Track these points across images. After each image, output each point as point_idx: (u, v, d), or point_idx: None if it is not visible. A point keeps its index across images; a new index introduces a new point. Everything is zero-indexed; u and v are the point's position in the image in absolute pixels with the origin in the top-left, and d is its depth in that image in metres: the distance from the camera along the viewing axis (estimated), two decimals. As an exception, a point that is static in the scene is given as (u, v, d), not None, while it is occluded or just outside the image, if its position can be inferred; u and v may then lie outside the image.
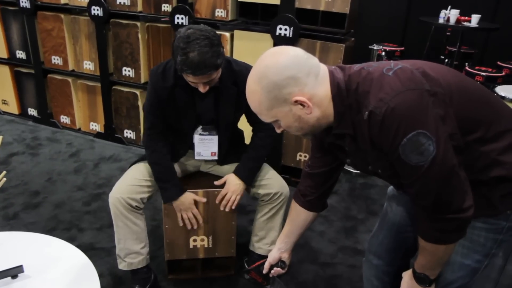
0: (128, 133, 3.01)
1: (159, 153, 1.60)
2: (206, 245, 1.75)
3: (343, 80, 0.94)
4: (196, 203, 1.66)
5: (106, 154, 2.90)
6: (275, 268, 1.35)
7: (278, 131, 1.03)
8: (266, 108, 0.96)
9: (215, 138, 1.65)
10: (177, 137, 1.67)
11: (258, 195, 1.72)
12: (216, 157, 1.71)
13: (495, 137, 0.95)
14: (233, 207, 1.68)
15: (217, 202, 1.68)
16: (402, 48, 3.59)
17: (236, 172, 1.67)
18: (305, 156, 2.56)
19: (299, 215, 1.29)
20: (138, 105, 2.88)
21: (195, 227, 1.67)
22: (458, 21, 3.23)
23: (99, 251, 1.96)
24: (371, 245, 1.35)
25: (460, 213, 0.92)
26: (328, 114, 0.96)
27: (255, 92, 0.95)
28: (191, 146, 1.68)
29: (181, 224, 1.67)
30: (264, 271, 1.37)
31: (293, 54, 0.93)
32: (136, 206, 1.59)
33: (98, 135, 3.11)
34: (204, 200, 1.65)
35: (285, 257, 1.36)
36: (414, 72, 0.90)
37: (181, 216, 1.65)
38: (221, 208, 1.68)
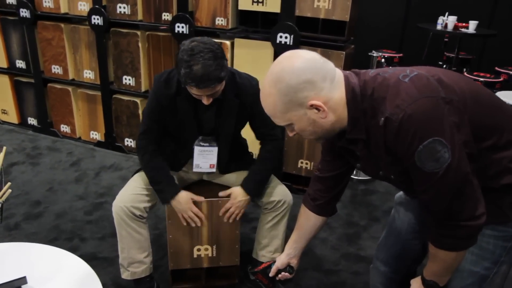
0: (129, 142, 3.01)
1: (151, 155, 1.59)
2: (210, 254, 1.75)
3: (358, 85, 0.95)
4: (196, 204, 1.64)
5: (106, 163, 2.89)
6: (282, 273, 1.35)
7: (291, 134, 1.03)
8: (280, 111, 0.96)
9: (214, 150, 1.65)
10: (177, 146, 1.67)
11: (261, 203, 1.71)
12: (214, 170, 1.70)
13: (507, 145, 0.95)
14: (237, 219, 1.68)
15: (220, 215, 1.67)
16: (401, 55, 3.61)
17: (243, 185, 1.66)
18: (306, 163, 2.56)
19: (309, 220, 1.29)
20: (138, 113, 2.88)
21: (199, 224, 1.64)
22: (455, 27, 3.25)
23: (102, 261, 1.95)
24: (379, 252, 1.35)
25: (472, 220, 0.92)
26: (342, 118, 0.97)
27: (270, 95, 0.95)
28: (192, 155, 1.68)
29: (184, 223, 1.63)
30: (271, 274, 1.37)
31: (309, 58, 0.93)
32: (139, 215, 1.59)
33: (98, 144, 3.11)
34: (202, 199, 1.63)
35: (294, 262, 1.36)
36: (430, 79, 0.91)
37: (182, 216, 1.62)
38: (225, 220, 1.68)
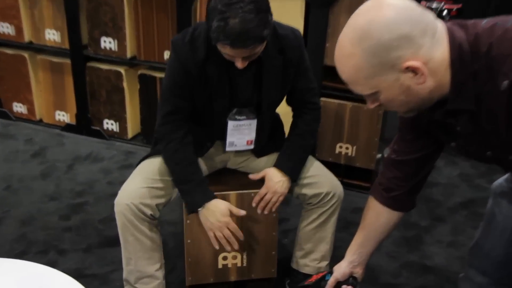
0: (110, 125, 3.02)
1: (179, 144, 1.61)
2: (239, 264, 1.78)
3: (466, 40, 0.96)
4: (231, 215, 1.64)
5: (81, 152, 2.90)
6: (343, 286, 1.39)
7: (371, 106, 1.05)
8: (365, 76, 0.98)
9: (253, 123, 1.67)
10: (203, 124, 1.69)
11: (304, 197, 1.75)
12: (252, 146, 1.73)
13: None
14: (273, 209, 1.70)
15: (253, 204, 1.69)
16: (459, 6, 3.64)
17: (278, 164, 1.69)
18: (346, 148, 2.60)
19: (380, 217, 1.32)
20: (123, 86, 2.88)
21: (236, 247, 1.61)
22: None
23: (91, 279, 1.98)
24: (473, 258, 1.37)
25: None
26: (443, 84, 0.98)
27: (352, 56, 0.97)
28: (220, 136, 1.70)
29: (216, 246, 1.62)
30: None
31: (404, 6, 0.94)
32: (150, 215, 1.62)
33: (67, 128, 3.11)
34: (243, 213, 1.63)
35: (358, 272, 1.40)
36: None
37: (214, 235, 1.61)
38: (259, 211, 1.70)
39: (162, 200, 1.65)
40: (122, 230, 1.63)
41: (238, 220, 1.71)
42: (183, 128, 1.62)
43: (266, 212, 1.70)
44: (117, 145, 3.01)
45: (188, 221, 1.69)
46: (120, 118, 2.99)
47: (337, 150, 2.60)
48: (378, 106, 1.05)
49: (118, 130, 3.02)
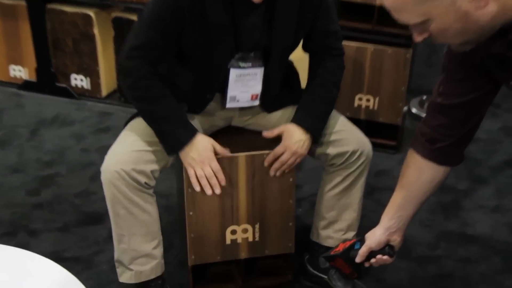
0: (79, 81, 3.00)
1: (149, 80, 1.59)
2: (250, 239, 1.79)
3: None
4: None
5: (45, 115, 2.88)
6: (378, 256, 1.40)
7: (419, 38, 1.04)
8: (414, 1, 0.96)
9: (259, 73, 1.65)
10: (201, 73, 1.67)
11: (326, 157, 1.75)
12: (257, 102, 1.72)
13: None
14: (286, 171, 1.70)
15: (266, 164, 1.69)
16: None
17: (298, 120, 1.68)
18: (367, 100, 2.60)
19: (422, 173, 1.32)
20: (93, 33, 2.84)
21: (218, 191, 1.64)
22: None
23: (72, 263, 1.98)
24: None
25: None
26: (508, 8, 0.96)
27: None
28: (220, 88, 1.69)
29: (197, 188, 1.63)
30: (359, 259, 1.42)
31: None
32: (145, 183, 1.61)
33: (26, 85, 3.08)
34: (227, 153, 1.64)
35: (396, 240, 1.41)
36: None
37: (195, 173, 1.61)
38: (272, 173, 1.69)
39: (158, 166, 1.64)
40: (112, 203, 1.62)
41: (248, 186, 1.71)
42: (151, 65, 1.59)
43: (278, 174, 1.70)
44: (89, 105, 2.98)
45: (189, 190, 1.68)
46: (91, 72, 2.95)
47: (356, 103, 2.59)
48: (425, 39, 1.04)
49: (89, 87, 3.00)
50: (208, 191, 1.63)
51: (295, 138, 1.66)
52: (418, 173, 1.33)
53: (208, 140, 1.62)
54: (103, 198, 2.21)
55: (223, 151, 1.64)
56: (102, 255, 2.02)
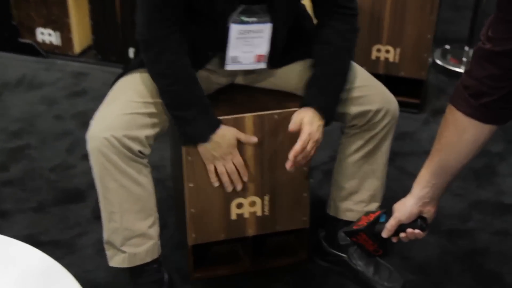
0: (47, 35, 2.98)
1: (177, 55, 1.61)
2: (259, 213, 1.82)
3: None
4: (240, 146, 1.69)
5: (8, 76, 2.87)
6: (409, 231, 1.44)
7: None
8: None
9: (266, 30, 1.67)
10: (201, 27, 1.68)
11: (345, 118, 1.77)
12: (263, 65, 1.74)
13: None
14: (306, 165, 1.76)
15: (288, 165, 1.64)
16: None
17: (309, 101, 1.69)
18: (387, 52, 2.61)
19: (464, 133, 1.33)
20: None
21: (239, 188, 1.74)
22: None
23: (51, 247, 2.00)
24: None
25: None
26: None
27: None
28: (221, 46, 1.70)
29: (215, 184, 1.72)
30: (386, 234, 1.46)
31: None
32: (139, 151, 1.62)
33: (-17, 42, 3.06)
34: (255, 140, 1.71)
35: (429, 211, 1.44)
36: None
37: (215, 169, 1.70)
38: (291, 168, 1.65)
39: (153, 131, 1.65)
40: (101, 175, 1.63)
41: (257, 152, 1.74)
42: (176, 30, 1.61)
43: (291, 169, 1.67)
44: (60, 64, 2.98)
45: (189, 158, 1.71)
46: (61, 25, 2.93)
47: (374, 55, 2.61)
48: None
49: (59, 43, 2.99)
50: (229, 188, 1.74)
51: (310, 126, 1.65)
52: (459, 134, 1.34)
53: (232, 134, 1.67)
54: (83, 172, 2.29)
55: (248, 139, 1.70)
56: (85, 238, 2.05)
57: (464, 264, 1.98)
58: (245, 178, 1.74)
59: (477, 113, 1.30)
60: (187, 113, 1.64)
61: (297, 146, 1.63)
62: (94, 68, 2.97)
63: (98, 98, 2.73)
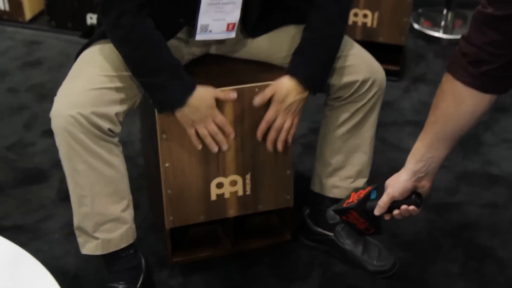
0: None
1: (138, 17, 1.54)
2: (240, 193, 1.79)
3: None
4: (219, 104, 1.63)
5: None
6: (403, 207, 1.40)
7: None
8: None
9: None
10: None
11: (330, 89, 1.73)
12: (233, 34, 1.68)
13: None
14: (289, 139, 1.71)
15: (259, 135, 1.70)
16: None
17: (293, 70, 1.65)
18: (364, 16, 2.58)
19: (462, 103, 1.30)
20: None
21: (225, 147, 1.68)
22: None
23: (14, 232, 1.97)
24: None
25: None
26: None
27: None
28: (193, 12, 1.62)
29: (199, 146, 1.67)
30: (379, 211, 1.43)
31: None
32: (109, 129, 1.57)
33: None
34: (234, 96, 1.64)
35: (424, 186, 1.42)
36: None
37: (195, 132, 1.64)
38: (269, 147, 1.69)
39: (123, 107, 1.59)
40: (68, 156, 1.57)
41: (237, 128, 1.70)
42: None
43: (280, 145, 1.70)
44: (9, 32, 2.92)
45: (164, 136, 1.66)
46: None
47: (351, 20, 2.59)
48: None
49: (7, 9, 2.93)
50: (214, 149, 1.68)
51: (291, 97, 1.64)
52: (457, 104, 1.31)
53: (210, 94, 1.62)
54: (44, 150, 2.31)
55: (227, 96, 1.64)
56: (51, 222, 2.01)
57: (454, 239, 1.97)
58: (232, 136, 1.69)
59: (477, 82, 1.28)
60: (157, 79, 1.57)
61: (262, 125, 1.68)
62: (48, 36, 2.89)
63: (55, 68, 2.80)
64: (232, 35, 1.69)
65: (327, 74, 1.69)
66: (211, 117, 1.63)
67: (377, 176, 1.92)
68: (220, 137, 1.66)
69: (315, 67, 1.66)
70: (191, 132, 1.64)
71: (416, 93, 2.69)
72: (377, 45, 2.59)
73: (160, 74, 1.57)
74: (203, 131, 1.64)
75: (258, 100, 1.66)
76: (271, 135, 1.69)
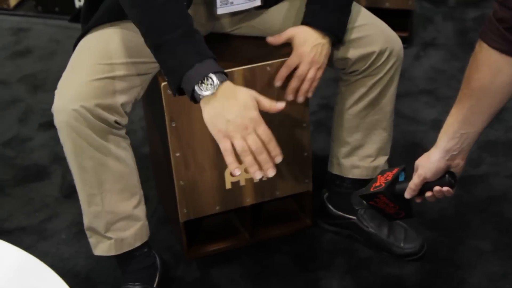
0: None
1: None
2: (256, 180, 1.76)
3: None
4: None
5: None
6: (436, 189, 1.38)
7: None
8: None
9: None
10: None
11: (345, 63, 1.71)
12: (258, 2, 1.65)
13: None
14: (309, 92, 1.66)
15: (278, 83, 1.65)
16: None
17: (312, 19, 1.62)
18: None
19: (499, 74, 1.26)
20: None
21: (272, 173, 1.34)
22: None
23: (18, 235, 1.96)
24: None
25: None
26: None
27: None
28: None
29: (236, 172, 1.33)
30: (410, 194, 1.41)
31: None
32: (115, 121, 1.55)
33: None
34: (282, 106, 1.39)
35: (459, 165, 1.40)
36: None
37: (232, 147, 1.32)
38: (290, 96, 1.63)
39: (129, 96, 1.56)
40: (74, 154, 1.55)
41: None
42: None
43: (301, 96, 1.65)
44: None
45: (173, 124, 1.64)
46: None
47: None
48: None
49: None
50: (257, 176, 1.34)
51: (311, 43, 1.61)
52: (493, 75, 1.26)
53: (250, 93, 1.37)
54: (42, 145, 2.32)
55: (269, 105, 1.37)
56: (57, 221, 2.00)
57: (483, 214, 1.96)
58: (279, 159, 1.35)
59: None
60: (168, 37, 1.37)
61: (283, 68, 1.63)
62: (35, 22, 2.88)
63: (46, 56, 2.80)
64: (258, 2, 1.65)
65: (345, 19, 1.67)
66: (252, 126, 1.34)
67: (395, 152, 1.90)
68: (264, 156, 1.33)
69: (332, 11, 1.64)
70: (225, 146, 1.33)
71: (428, 60, 2.67)
72: (384, 11, 2.56)
73: (172, 32, 1.36)
74: (241, 145, 1.32)
75: (272, 39, 1.64)
76: (293, 83, 1.64)
